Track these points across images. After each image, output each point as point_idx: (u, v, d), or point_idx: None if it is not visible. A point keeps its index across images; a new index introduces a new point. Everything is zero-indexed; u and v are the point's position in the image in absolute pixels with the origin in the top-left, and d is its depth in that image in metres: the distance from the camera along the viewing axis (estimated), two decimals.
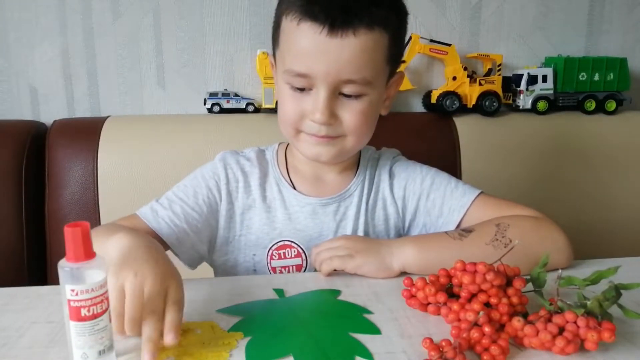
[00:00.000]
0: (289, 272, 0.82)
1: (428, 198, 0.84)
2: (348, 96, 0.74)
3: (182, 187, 0.83)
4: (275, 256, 0.82)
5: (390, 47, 0.74)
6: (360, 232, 0.84)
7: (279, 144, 0.90)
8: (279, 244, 0.82)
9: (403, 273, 0.70)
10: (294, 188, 0.84)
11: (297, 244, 0.82)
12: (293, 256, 0.82)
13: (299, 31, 0.71)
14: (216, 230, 0.83)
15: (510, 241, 0.70)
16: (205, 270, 0.86)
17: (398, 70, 0.82)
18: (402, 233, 0.87)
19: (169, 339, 0.49)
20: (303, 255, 0.82)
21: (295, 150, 0.84)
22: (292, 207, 0.83)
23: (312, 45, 0.70)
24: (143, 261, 0.55)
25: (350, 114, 0.74)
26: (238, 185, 0.84)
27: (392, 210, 0.86)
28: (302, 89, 0.74)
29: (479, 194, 0.82)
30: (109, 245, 0.61)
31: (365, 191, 0.85)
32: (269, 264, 0.82)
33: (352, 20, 0.69)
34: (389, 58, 0.75)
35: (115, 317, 0.50)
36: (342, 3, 0.69)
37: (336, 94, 0.73)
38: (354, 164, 0.87)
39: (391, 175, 0.87)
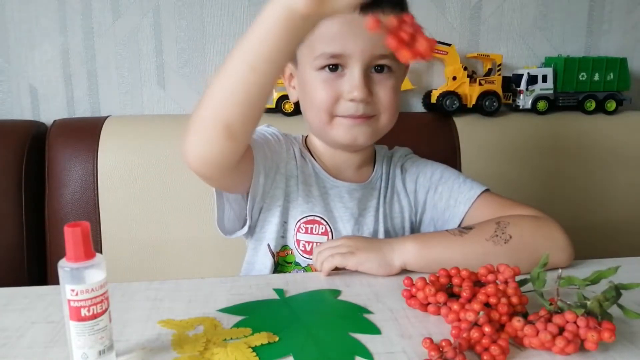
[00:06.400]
0: (312, 249, 0.82)
1: (436, 191, 0.86)
2: (379, 72, 0.77)
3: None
4: (302, 229, 0.82)
5: None
6: (380, 224, 0.85)
7: (301, 136, 0.91)
8: (309, 218, 0.83)
9: (404, 271, 0.70)
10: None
11: (326, 222, 0.82)
12: (320, 233, 0.82)
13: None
14: (267, 177, 0.81)
15: (510, 237, 0.70)
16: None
17: None
18: (414, 227, 0.89)
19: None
20: (330, 235, 0.82)
21: (318, 145, 0.85)
22: (324, 188, 0.84)
23: (346, 25, 0.73)
24: None
25: (384, 89, 0.78)
26: (288, 151, 0.85)
27: (405, 203, 0.88)
28: (335, 69, 0.76)
29: (485, 190, 0.83)
30: None
31: (383, 184, 0.87)
32: (294, 236, 0.83)
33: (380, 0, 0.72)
34: None
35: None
36: None
37: (368, 71, 0.76)
38: (370, 160, 0.89)
39: (403, 171, 0.89)
